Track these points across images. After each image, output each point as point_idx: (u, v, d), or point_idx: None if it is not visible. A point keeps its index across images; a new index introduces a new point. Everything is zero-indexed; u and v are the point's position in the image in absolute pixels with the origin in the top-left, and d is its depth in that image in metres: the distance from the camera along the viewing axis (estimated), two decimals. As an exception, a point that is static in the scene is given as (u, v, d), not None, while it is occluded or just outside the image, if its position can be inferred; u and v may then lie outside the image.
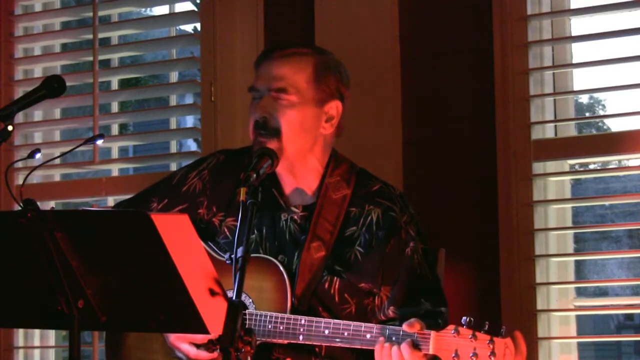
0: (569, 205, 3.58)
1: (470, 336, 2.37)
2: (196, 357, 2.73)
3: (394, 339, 2.51)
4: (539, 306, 3.45)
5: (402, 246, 2.79)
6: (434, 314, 2.71)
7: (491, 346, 2.36)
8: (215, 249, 2.86)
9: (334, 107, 2.85)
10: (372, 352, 2.56)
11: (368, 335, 2.55)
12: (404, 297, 2.76)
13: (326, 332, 2.60)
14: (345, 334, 2.58)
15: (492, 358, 2.35)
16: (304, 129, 2.80)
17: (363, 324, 2.58)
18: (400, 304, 2.75)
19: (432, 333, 2.43)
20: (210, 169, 2.98)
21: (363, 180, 2.89)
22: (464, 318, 2.39)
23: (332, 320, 2.62)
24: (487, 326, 2.38)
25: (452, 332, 2.39)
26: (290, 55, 2.83)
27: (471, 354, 2.37)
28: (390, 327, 2.54)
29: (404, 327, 2.48)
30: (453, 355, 2.38)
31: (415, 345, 2.46)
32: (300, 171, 2.85)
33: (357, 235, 2.81)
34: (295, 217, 2.84)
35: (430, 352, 2.44)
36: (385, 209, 2.82)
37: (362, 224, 2.81)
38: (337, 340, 2.59)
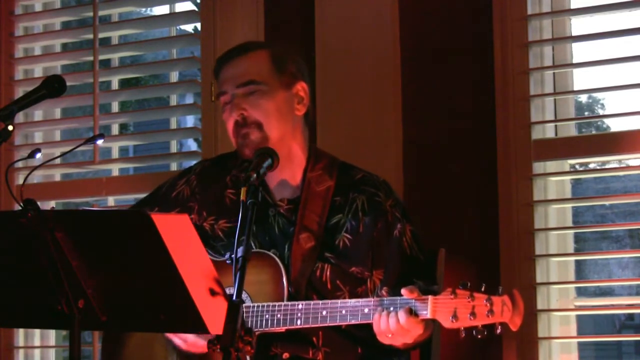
0: (569, 205, 3.58)
1: (467, 297, 2.38)
2: (193, 344, 2.74)
3: (391, 308, 2.51)
4: (539, 306, 3.45)
5: (390, 228, 2.82)
6: (427, 292, 2.71)
7: (489, 304, 2.36)
8: (212, 253, 2.87)
9: (301, 88, 2.91)
10: (370, 340, 2.58)
11: (366, 309, 2.56)
12: (397, 278, 2.77)
13: (324, 312, 2.60)
14: (344, 311, 2.58)
15: (490, 316, 2.35)
16: (281, 115, 2.85)
17: (361, 300, 2.58)
18: (393, 284, 2.76)
19: (430, 297, 2.45)
20: (197, 174, 3.02)
21: (345, 171, 2.93)
22: (461, 283, 2.40)
23: (329, 301, 2.62)
24: (484, 287, 2.39)
25: (450, 294, 2.40)
26: (245, 51, 2.90)
27: (469, 314, 2.36)
28: (388, 297, 2.56)
29: (403, 291, 2.49)
30: (451, 317, 2.38)
31: (413, 312, 2.47)
32: (284, 162, 2.84)
33: (344, 222, 2.83)
34: (282, 210, 2.87)
35: (429, 316, 2.44)
36: (370, 195, 2.85)
37: (347, 211, 2.84)
38: (336, 318, 2.59)
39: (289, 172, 2.89)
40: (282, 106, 2.85)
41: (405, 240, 2.83)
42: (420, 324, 2.48)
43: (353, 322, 2.58)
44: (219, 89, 2.90)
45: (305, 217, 2.83)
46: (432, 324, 2.55)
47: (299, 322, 2.62)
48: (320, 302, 2.63)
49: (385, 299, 2.55)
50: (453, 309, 2.38)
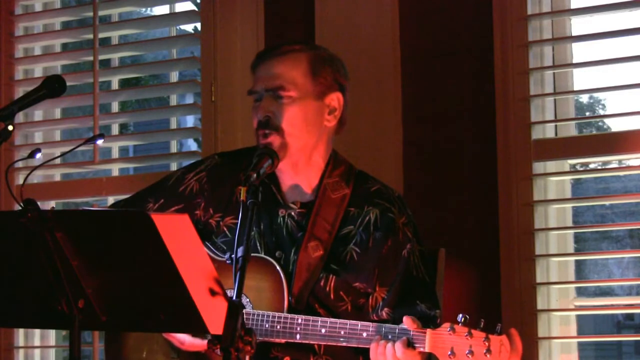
0: (569, 205, 3.58)
1: (465, 334, 2.39)
2: (191, 344, 2.74)
3: (390, 337, 2.52)
4: (539, 306, 3.45)
5: (399, 248, 2.79)
6: (428, 318, 2.71)
7: (487, 343, 2.37)
8: (213, 249, 2.86)
9: (335, 99, 2.84)
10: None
11: (364, 334, 2.56)
12: (399, 298, 2.76)
13: (323, 331, 2.61)
14: (342, 332, 2.59)
15: (488, 355, 2.37)
16: (307, 124, 2.79)
17: (359, 323, 2.59)
18: (395, 305, 2.75)
19: (428, 331, 2.46)
20: (208, 171, 2.98)
21: (362, 180, 2.89)
22: (460, 316, 2.41)
23: (328, 319, 2.62)
24: (482, 324, 2.40)
25: (448, 330, 2.41)
26: (284, 53, 2.83)
27: (467, 352, 2.38)
28: (387, 325, 2.55)
29: (405, 319, 2.50)
30: (449, 353, 2.40)
31: (411, 344, 2.48)
32: (302, 167, 2.84)
33: (354, 234, 2.80)
34: (293, 213, 2.84)
35: (426, 349, 2.46)
36: (384, 209, 2.81)
37: (359, 224, 2.81)
38: (334, 339, 2.60)
39: (305, 177, 2.85)
40: (310, 116, 2.79)
41: (412, 261, 2.79)
42: (417, 356, 2.50)
43: (352, 345, 2.59)
44: (252, 87, 2.85)
45: (316, 224, 2.80)
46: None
47: (297, 336, 2.63)
48: (320, 319, 2.62)
49: (384, 325, 2.55)
50: (450, 346, 2.41)
